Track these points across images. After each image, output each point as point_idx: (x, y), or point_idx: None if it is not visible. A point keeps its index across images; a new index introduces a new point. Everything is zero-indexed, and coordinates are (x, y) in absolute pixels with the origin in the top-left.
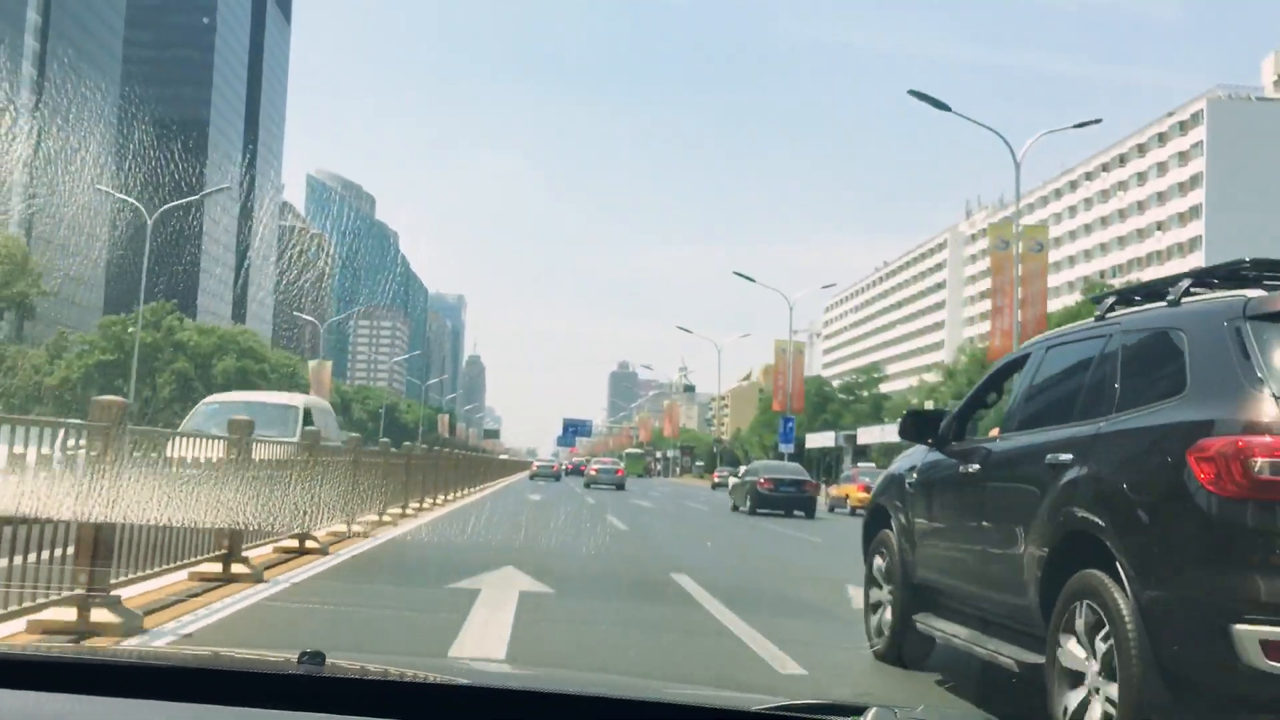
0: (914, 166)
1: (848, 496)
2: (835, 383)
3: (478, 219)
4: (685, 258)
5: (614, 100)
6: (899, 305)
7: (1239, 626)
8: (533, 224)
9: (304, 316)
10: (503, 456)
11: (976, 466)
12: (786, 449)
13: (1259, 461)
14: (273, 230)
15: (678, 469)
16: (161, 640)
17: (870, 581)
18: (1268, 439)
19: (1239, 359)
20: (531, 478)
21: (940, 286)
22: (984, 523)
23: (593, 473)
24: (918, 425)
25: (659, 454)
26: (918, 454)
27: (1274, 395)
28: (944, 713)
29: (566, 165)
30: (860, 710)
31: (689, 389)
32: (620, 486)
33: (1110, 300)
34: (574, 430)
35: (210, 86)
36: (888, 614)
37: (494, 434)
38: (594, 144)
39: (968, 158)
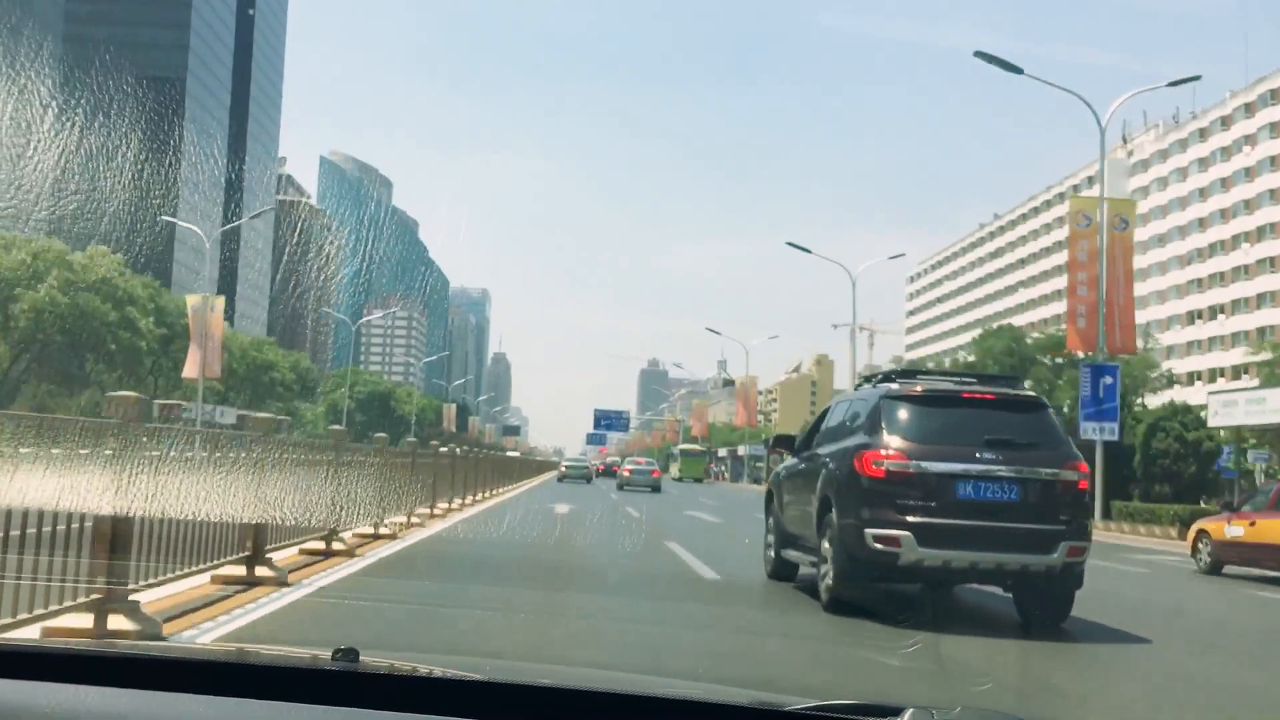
0: (949, 167)
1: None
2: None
3: (501, 213)
4: (714, 255)
5: (640, 94)
6: (1019, 264)
7: (867, 530)
8: (558, 220)
9: (185, 225)
10: (511, 454)
11: (804, 466)
12: (1100, 429)
13: (880, 463)
14: (269, 202)
15: (762, 470)
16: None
17: (765, 533)
18: (881, 452)
19: (879, 417)
20: (560, 479)
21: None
22: (802, 495)
23: (626, 473)
24: (784, 442)
25: (720, 452)
26: (790, 460)
27: (888, 435)
28: (982, 713)
29: (593, 160)
30: (897, 711)
31: (728, 384)
32: (656, 489)
33: (862, 379)
34: (607, 423)
35: (188, 29)
36: (771, 551)
37: (515, 431)
38: (621, 139)
39: (998, 155)
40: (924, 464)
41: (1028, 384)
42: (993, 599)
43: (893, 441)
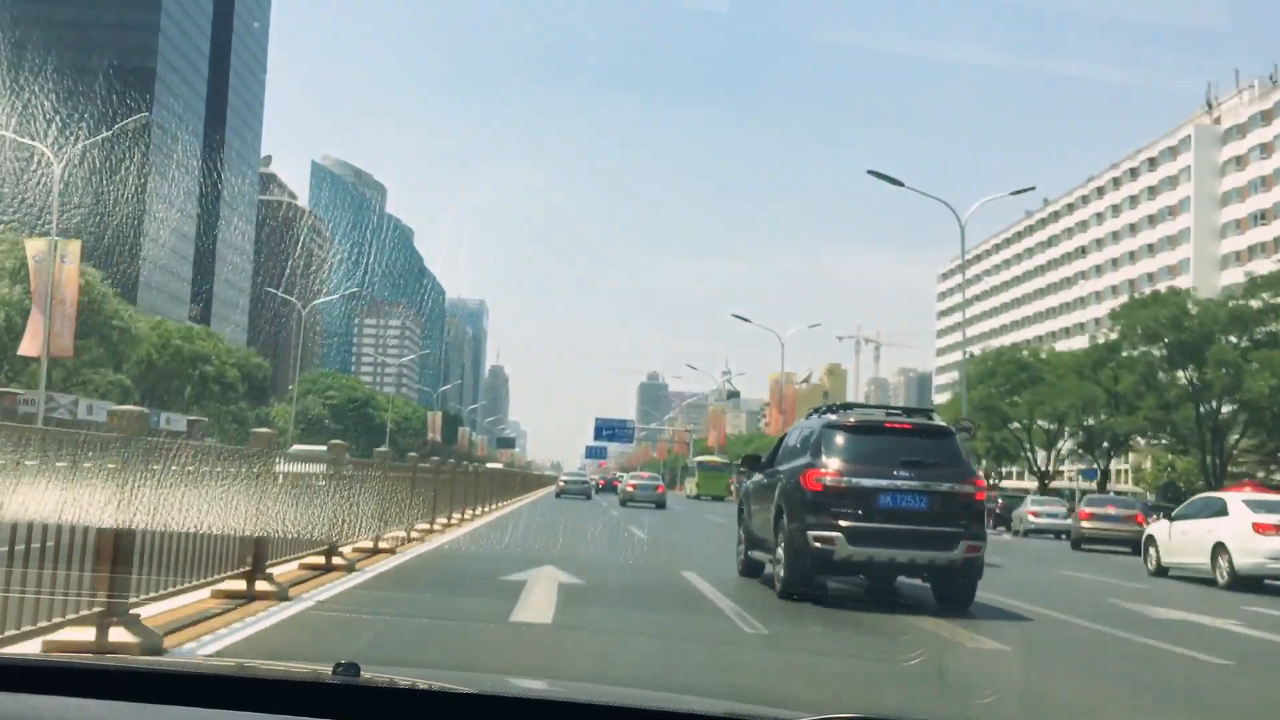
0: (948, 177)
1: None
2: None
3: (499, 226)
4: (714, 270)
5: (639, 109)
6: (1079, 253)
7: (809, 532)
8: (557, 234)
9: (24, 140)
10: (492, 465)
11: (766, 480)
12: None
13: (821, 479)
14: (250, 201)
15: None
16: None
17: (737, 537)
18: (820, 471)
19: (819, 442)
20: (558, 495)
21: (1170, 213)
22: (766, 506)
23: (629, 489)
24: (751, 462)
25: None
26: (756, 476)
27: (826, 457)
28: None
29: (592, 176)
30: None
31: (733, 395)
32: (661, 505)
33: (811, 410)
34: (609, 433)
35: (159, 11)
36: (741, 553)
37: (509, 443)
38: (620, 155)
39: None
40: (854, 480)
41: (1189, 374)
42: (998, 613)
43: (830, 462)
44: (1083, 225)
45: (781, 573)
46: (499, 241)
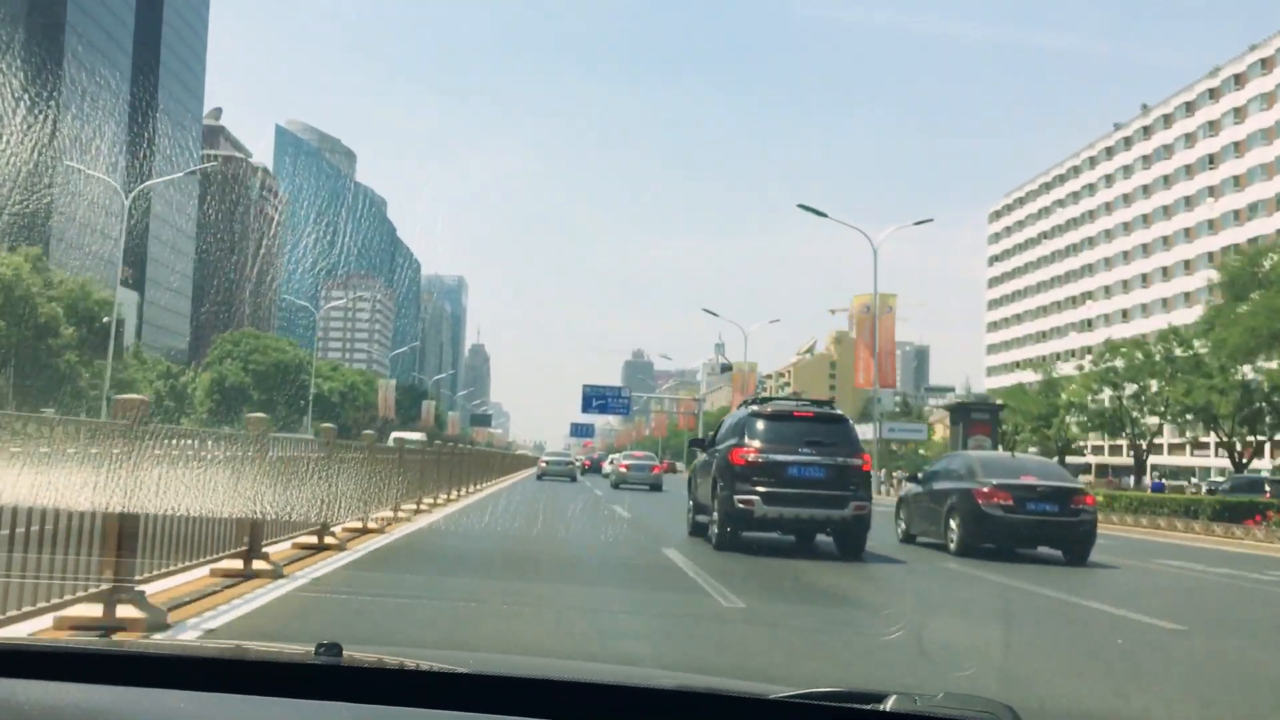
0: (927, 158)
1: None
2: None
3: (478, 205)
4: (695, 249)
5: (619, 86)
6: (1140, 193)
7: (735, 496)
8: (537, 213)
9: None
10: (409, 435)
11: (707, 458)
12: None
13: (744, 455)
14: (190, 153)
15: (887, 483)
16: (186, 636)
17: (687, 505)
18: (744, 449)
19: (744, 427)
20: (540, 476)
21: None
22: (707, 478)
23: (623, 469)
24: (698, 443)
25: None
26: (702, 455)
27: (749, 438)
28: (964, 699)
29: (573, 156)
30: (880, 698)
31: (725, 369)
32: (657, 487)
33: (744, 399)
34: (600, 403)
35: None
36: (690, 516)
37: (485, 421)
38: (602, 134)
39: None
40: (770, 455)
41: None
42: (976, 584)
43: (752, 442)
44: (1144, 161)
45: (715, 529)
46: (477, 220)
